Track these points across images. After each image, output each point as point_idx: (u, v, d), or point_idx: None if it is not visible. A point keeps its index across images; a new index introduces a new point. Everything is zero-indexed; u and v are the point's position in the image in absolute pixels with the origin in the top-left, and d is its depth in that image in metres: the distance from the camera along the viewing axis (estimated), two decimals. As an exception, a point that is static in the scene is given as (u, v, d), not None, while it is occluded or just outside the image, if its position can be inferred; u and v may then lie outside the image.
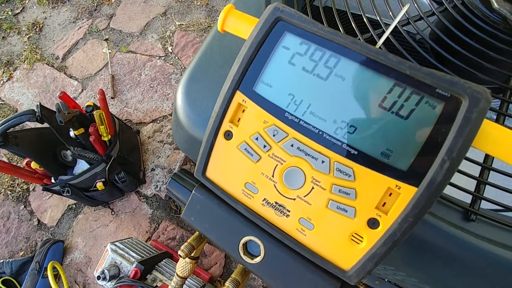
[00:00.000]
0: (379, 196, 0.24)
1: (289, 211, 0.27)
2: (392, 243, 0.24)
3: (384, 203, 0.25)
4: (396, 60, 0.23)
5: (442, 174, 0.22)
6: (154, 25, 1.62)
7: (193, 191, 0.31)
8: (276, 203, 0.28)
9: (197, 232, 0.36)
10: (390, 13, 0.35)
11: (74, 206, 1.31)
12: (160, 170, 1.30)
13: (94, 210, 1.28)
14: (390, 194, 0.24)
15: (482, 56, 0.33)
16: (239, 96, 0.28)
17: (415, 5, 0.35)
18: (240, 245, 0.30)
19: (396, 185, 0.24)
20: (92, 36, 1.66)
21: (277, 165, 0.27)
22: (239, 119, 0.28)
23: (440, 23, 0.35)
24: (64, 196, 1.06)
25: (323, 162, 0.26)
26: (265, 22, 0.27)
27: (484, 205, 0.30)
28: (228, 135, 0.29)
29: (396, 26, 0.34)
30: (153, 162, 1.31)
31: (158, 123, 1.39)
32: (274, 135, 0.27)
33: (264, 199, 0.28)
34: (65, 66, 1.60)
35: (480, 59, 0.33)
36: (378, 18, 0.35)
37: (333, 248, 0.26)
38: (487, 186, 0.29)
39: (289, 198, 0.27)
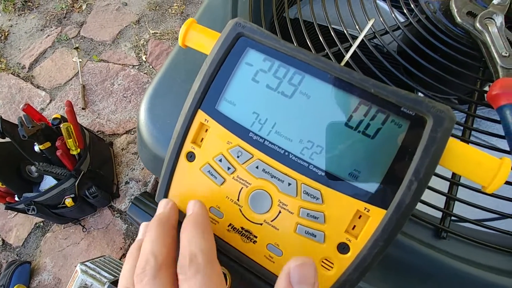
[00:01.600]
0: (348, 220, 0.23)
1: (256, 236, 0.26)
2: (363, 268, 0.23)
3: (354, 226, 0.24)
4: (360, 78, 0.22)
5: (410, 196, 0.21)
6: (127, 33, 1.58)
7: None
8: (242, 228, 0.26)
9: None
10: (357, 27, 0.35)
11: (41, 224, 1.24)
12: (135, 183, 1.25)
13: (64, 228, 1.21)
14: (360, 217, 0.23)
15: (447, 70, 0.33)
16: (201, 115, 0.26)
17: (381, 19, 0.35)
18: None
19: (365, 208, 0.23)
20: (62, 45, 1.59)
21: (242, 188, 0.26)
22: (202, 139, 0.27)
23: (405, 37, 0.35)
24: (29, 214, 1.00)
25: (289, 184, 0.24)
26: (226, 38, 0.26)
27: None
28: (191, 157, 0.27)
29: (363, 40, 0.34)
30: (127, 175, 1.27)
31: (132, 134, 1.35)
32: (238, 157, 0.25)
33: (230, 225, 0.26)
34: (32, 76, 1.53)
35: (445, 73, 0.33)
36: (344, 31, 0.34)
37: (303, 274, 0.25)
38: (456, 202, 0.28)
39: (255, 223, 0.26)
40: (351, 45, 0.35)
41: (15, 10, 1.74)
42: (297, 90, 0.24)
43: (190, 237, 0.22)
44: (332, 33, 0.35)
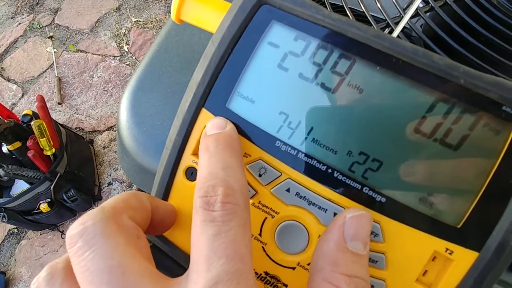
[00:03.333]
0: (421, 265, 0.17)
1: (286, 286, 0.19)
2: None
3: (426, 272, 0.17)
4: (443, 64, 0.15)
5: (518, 233, 0.15)
6: (107, 21, 1.47)
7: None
8: (266, 274, 0.19)
9: None
10: (396, 3, 0.28)
11: (16, 230, 1.13)
12: (119, 184, 1.16)
13: (41, 234, 1.11)
14: (434, 259, 0.17)
15: (499, 51, 0.27)
16: (205, 117, 0.19)
17: (424, -7, 0.28)
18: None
19: (447, 249, 0.16)
20: (34, 34, 1.46)
21: (266, 218, 0.18)
22: (207, 150, 0.19)
23: (451, 12, 0.29)
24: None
25: (335, 214, 0.17)
26: (241, 7, 0.18)
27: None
28: (192, 174, 0.20)
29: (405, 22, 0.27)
30: (110, 176, 1.17)
31: (115, 131, 1.25)
32: (260, 175, 0.18)
33: (249, 268, 0.19)
34: (1, 67, 1.40)
35: (499, 55, 0.27)
36: (382, 10, 0.27)
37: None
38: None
39: (285, 267, 0.18)
40: (387, 26, 0.28)
41: (-19, -5, 1.59)
42: (345, 81, 0.17)
43: (225, 163, 0.16)
44: (365, 12, 0.28)
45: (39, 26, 1.47)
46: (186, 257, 0.20)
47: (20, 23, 1.51)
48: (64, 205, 1.00)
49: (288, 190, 0.18)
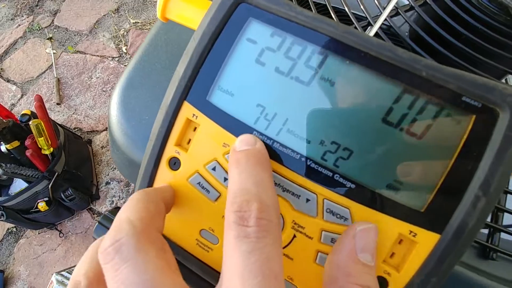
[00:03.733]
0: (387, 247, 0.17)
1: (263, 269, 0.20)
2: (407, 311, 0.17)
3: (393, 255, 0.18)
4: (407, 57, 0.16)
5: (476, 216, 0.16)
6: (105, 22, 1.48)
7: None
8: (244, 258, 0.20)
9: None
10: (376, 2, 0.29)
11: (14, 229, 1.14)
12: (116, 184, 1.17)
13: (39, 233, 1.12)
14: (400, 242, 0.18)
15: (479, 50, 0.28)
16: (187, 109, 0.20)
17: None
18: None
19: (410, 231, 0.17)
20: (34, 35, 1.47)
21: (244, 205, 0.19)
22: (189, 141, 0.20)
23: (432, 11, 0.30)
24: (-2, 220, 0.91)
25: (308, 200, 0.18)
26: (220, 5, 0.19)
27: None
28: (174, 164, 0.21)
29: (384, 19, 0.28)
30: (108, 175, 1.18)
31: (113, 131, 1.26)
32: (238, 164, 0.19)
33: (228, 252, 0.20)
34: (1, 68, 1.41)
35: (478, 53, 0.28)
36: (363, 9, 0.28)
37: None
38: (506, 213, 0.23)
39: (262, 251, 0.19)
40: (369, 24, 0.29)
41: (-19, -3, 1.60)
42: (317, 75, 0.18)
43: (256, 179, 0.16)
44: (347, 10, 0.29)
45: (39, 27, 1.49)
46: (179, 250, 0.21)
47: (19, 25, 1.53)
48: (62, 204, 1.01)
49: (264, 178, 0.19)
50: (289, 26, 0.18)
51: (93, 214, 1.13)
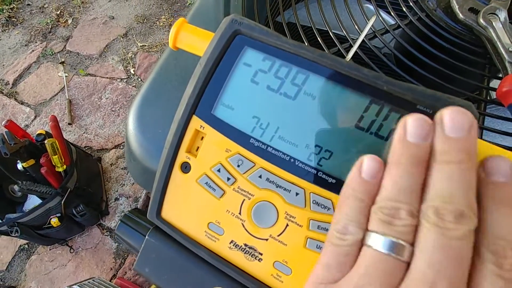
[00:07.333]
0: (363, 231, 0.21)
1: (261, 254, 0.23)
2: None
3: (370, 238, 0.21)
4: (371, 75, 0.20)
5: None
6: (114, 46, 1.56)
7: (146, 236, 0.26)
8: (245, 245, 0.23)
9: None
10: (356, 27, 0.33)
11: (26, 246, 1.17)
12: (125, 199, 1.21)
13: (50, 249, 1.15)
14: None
15: (451, 68, 0.32)
16: (196, 122, 0.24)
17: (380, 18, 0.34)
18: (207, 297, 0.25)
19: (382, 217, 0.20)
20: (47, 60, 1.56)
21: (244, 200, 0.23)
22: (198, 148, 0.24)
23: (406, 35, 0.34)
24: (12, 236, 0.94)
25: (297, 194, 0.22)
26: (221, 37, 0.23)
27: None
28: (186, 168, 0.25)
29: (363, 40, 0.32)
30: (117, 191, 1.22)
31: (121, 148, 1.31)
32: (238, 166, 0.23)
33: (232, 242, 0.24)
34: (15, 92, 1.48)
35: (450, 71, 0.32)
36: (344, 33, 0.33)
37: (315, 294, 0.22)
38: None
39: (260, 239, 0.23)
40: (351, 46, 0.33)
41: (-2, 26, 1.70)
42: (301, 91, 0.22)
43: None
44: (331, 35, 0.33)
45: (52, 52, 1.57)
46: (182, 235, 0.25)
47: (33, 50, 1.61)
48: (73, 219, 1.05)
49: (260, 177, 0.23)
50: (277, 52, 0.23)
51: (103, 230, 1.17)
